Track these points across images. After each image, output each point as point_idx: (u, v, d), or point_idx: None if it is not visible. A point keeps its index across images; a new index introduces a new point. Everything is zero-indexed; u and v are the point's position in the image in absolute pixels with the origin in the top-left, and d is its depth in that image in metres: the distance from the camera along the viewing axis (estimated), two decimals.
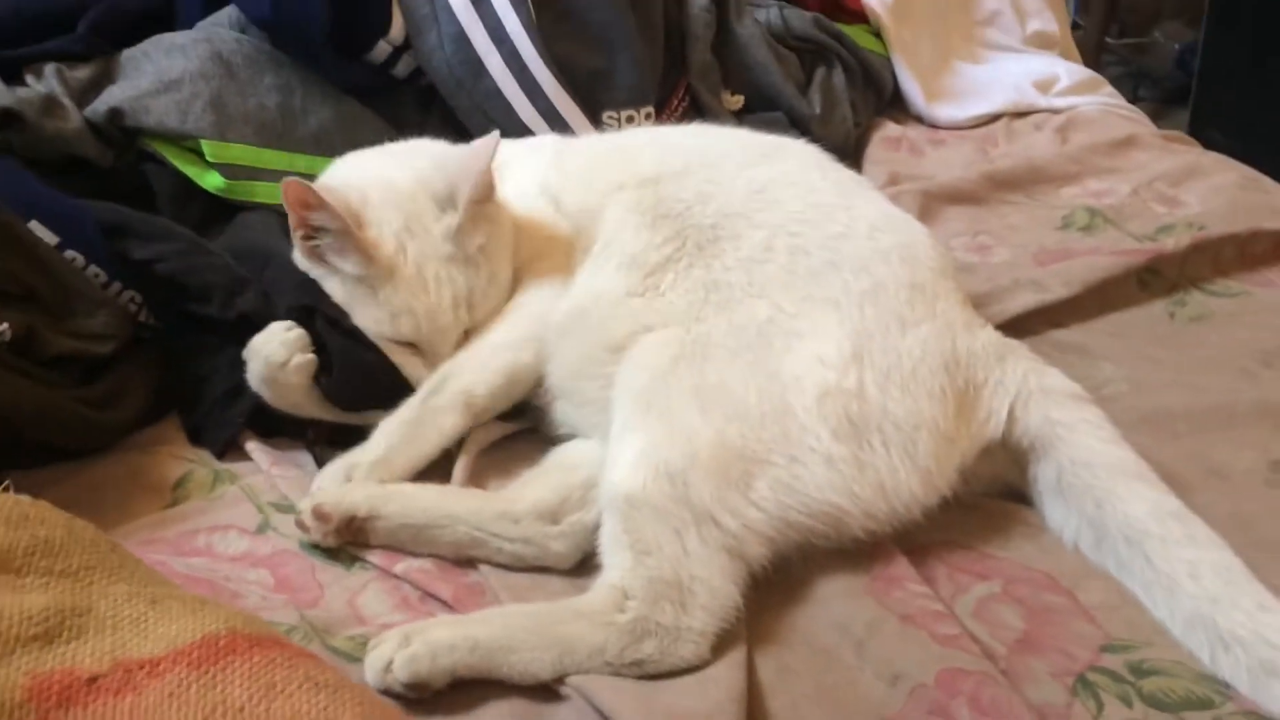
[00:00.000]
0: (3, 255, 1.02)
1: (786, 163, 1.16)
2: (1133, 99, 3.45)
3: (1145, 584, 0.90)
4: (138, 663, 0.74)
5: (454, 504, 0.98)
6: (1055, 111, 1.84)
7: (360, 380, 1.06)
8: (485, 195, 1.10)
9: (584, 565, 0.96)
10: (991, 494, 1.03)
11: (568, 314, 1.10)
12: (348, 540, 0.98)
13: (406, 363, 1.09)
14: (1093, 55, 3.33)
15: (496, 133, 1.12)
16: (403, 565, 0.96)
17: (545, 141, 1.36)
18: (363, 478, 1.01)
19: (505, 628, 0.85)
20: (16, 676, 0.70)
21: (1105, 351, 1.24)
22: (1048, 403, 0.99)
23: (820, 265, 1.02)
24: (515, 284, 1.15)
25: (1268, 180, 1.61)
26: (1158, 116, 3.32)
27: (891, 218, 1.12)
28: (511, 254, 1.14)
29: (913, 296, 1.00)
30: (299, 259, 1.12)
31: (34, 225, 1.08)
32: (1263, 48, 2.72)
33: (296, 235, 1.10)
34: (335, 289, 1.10)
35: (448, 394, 1.05)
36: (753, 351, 0.97)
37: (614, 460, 0.93)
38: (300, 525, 0.98)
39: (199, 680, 0.73)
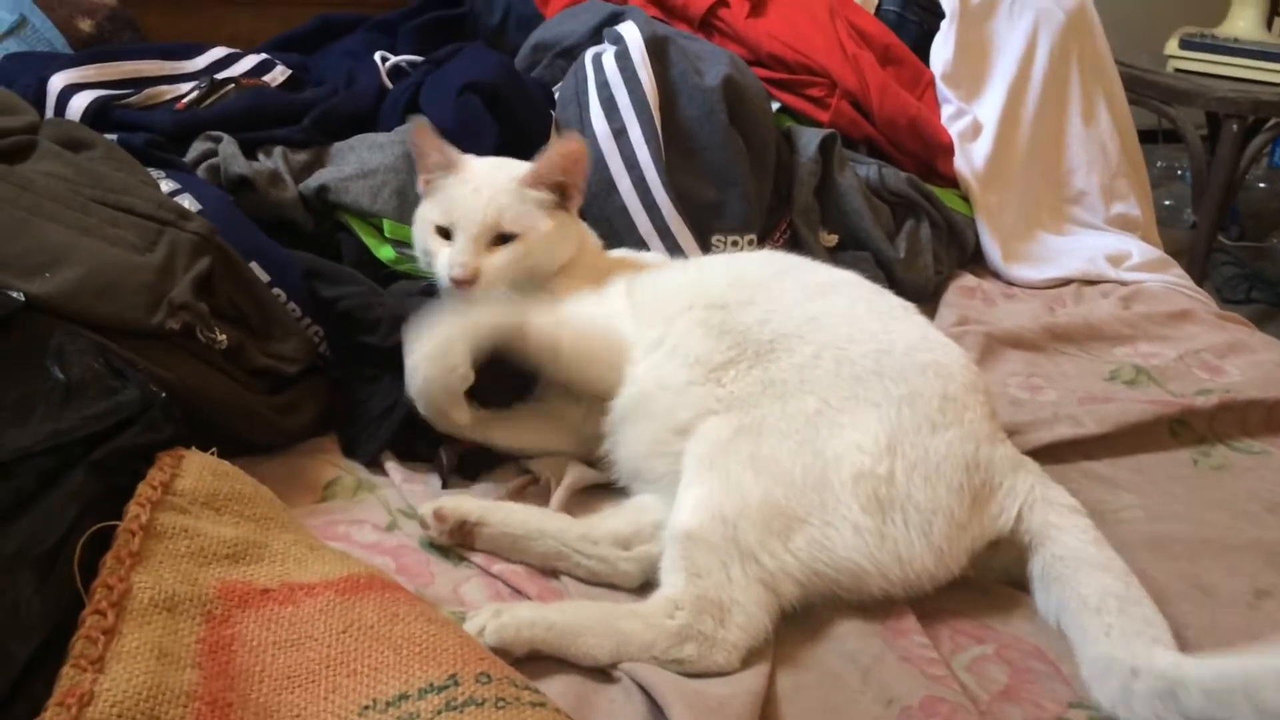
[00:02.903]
0: (229, 286, 1.23)
1: (838, 297, 1.25)
2: (1245, 299, 3.54)
3: (1079, 639, 1.01)
4: (299, 585, 0.91)
5: (546, 522, 1.14)
6: (1123, 283, 1.92)
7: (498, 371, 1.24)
8: (549, 172, 1.33)
9: (645, 589, 1.08)
10: (1001, 582, 1.14)
11: (632, 399, 1.22)
12: (458, 541, 1.14)
13: (439, 251, 1.31)
14: (1203, 253, 3.32)
15: (577, 134, 1.44)
16: (499, 567, 1.11)
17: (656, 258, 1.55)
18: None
19: (577, 616, 1.00)
20: (211, 580, 0.89)
21: (1127, 484, 1.33)
22: (1049, 510, 1.10)
23: (864, 373, 1.12)
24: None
25: None
26: (1268, 319, 3.39)
27: (929, 340, 1.20)
28: (554, 254, 1.36)
29: (944, 405, 1.11)
30: (421, 191, 1.38)
31: (253, 265, 1.29)
32: None
33: (421, 180, 1.37)
34: (430, 208, 1.35)
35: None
36: (801, 434, 1.09)
37: (680, 505, 1.06)
38: (422, 523, 1.14)
39: (342, 603, 0.89)
